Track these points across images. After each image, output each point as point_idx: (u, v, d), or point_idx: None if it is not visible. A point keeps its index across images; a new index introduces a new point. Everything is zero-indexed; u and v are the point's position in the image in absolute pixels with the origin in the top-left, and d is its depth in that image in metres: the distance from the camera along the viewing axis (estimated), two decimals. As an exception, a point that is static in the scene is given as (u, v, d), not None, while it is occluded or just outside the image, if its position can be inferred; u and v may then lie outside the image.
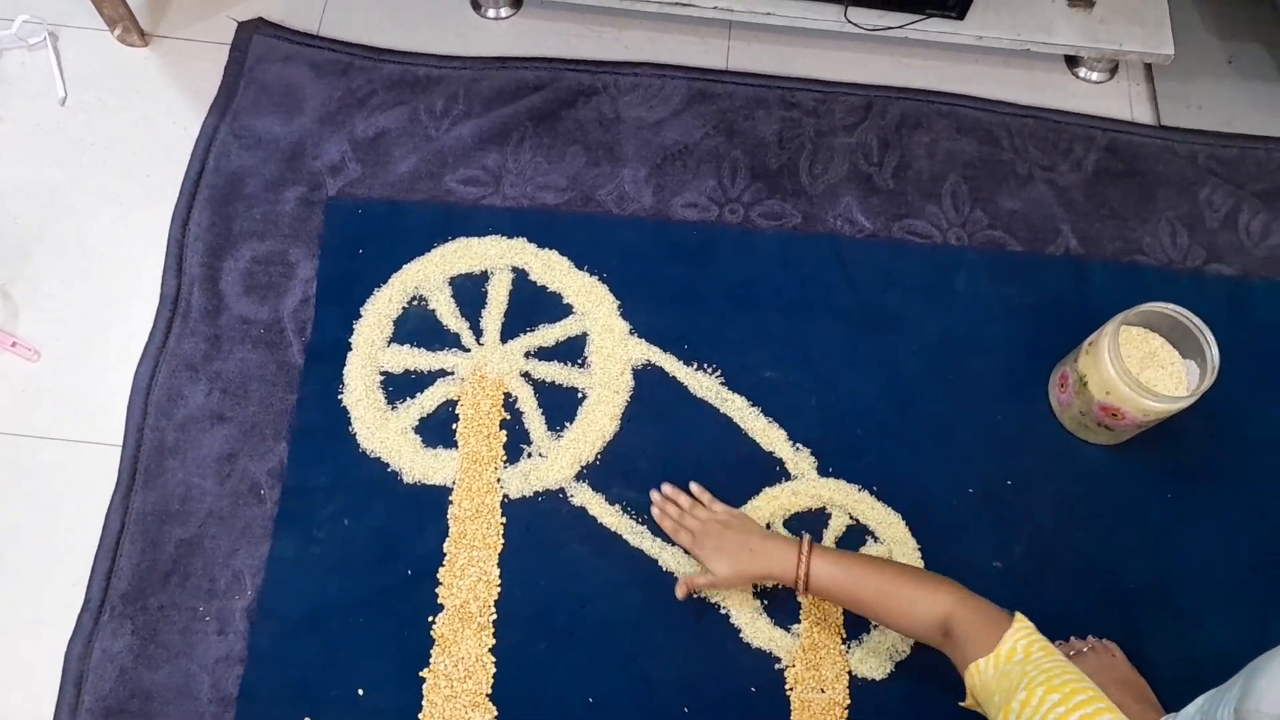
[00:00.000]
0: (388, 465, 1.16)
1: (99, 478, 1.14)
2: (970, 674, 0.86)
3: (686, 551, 1.10)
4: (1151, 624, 1.13)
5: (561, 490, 1.16)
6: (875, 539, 1.16)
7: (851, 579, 0.98)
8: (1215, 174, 1.39)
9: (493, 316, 1.24)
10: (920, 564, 1.15)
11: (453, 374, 1.21)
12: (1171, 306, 1.13)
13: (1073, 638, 1.11)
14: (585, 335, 1.24)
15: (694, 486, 1.14)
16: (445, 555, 1.12)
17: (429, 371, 1.21)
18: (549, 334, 1.24)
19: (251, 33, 1.39)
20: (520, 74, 1.39)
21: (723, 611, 1.12)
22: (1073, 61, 1.47)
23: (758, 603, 1.12)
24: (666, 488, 1.14)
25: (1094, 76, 1.46)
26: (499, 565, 1.12)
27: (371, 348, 1.21)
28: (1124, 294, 1.25)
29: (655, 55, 1.43)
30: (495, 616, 1.10)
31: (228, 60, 1.37)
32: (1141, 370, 1.15)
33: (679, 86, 1.39)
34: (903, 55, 1.46)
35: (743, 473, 1.18)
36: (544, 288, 1.26)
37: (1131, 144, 1.41)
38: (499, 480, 1.16)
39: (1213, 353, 1.10)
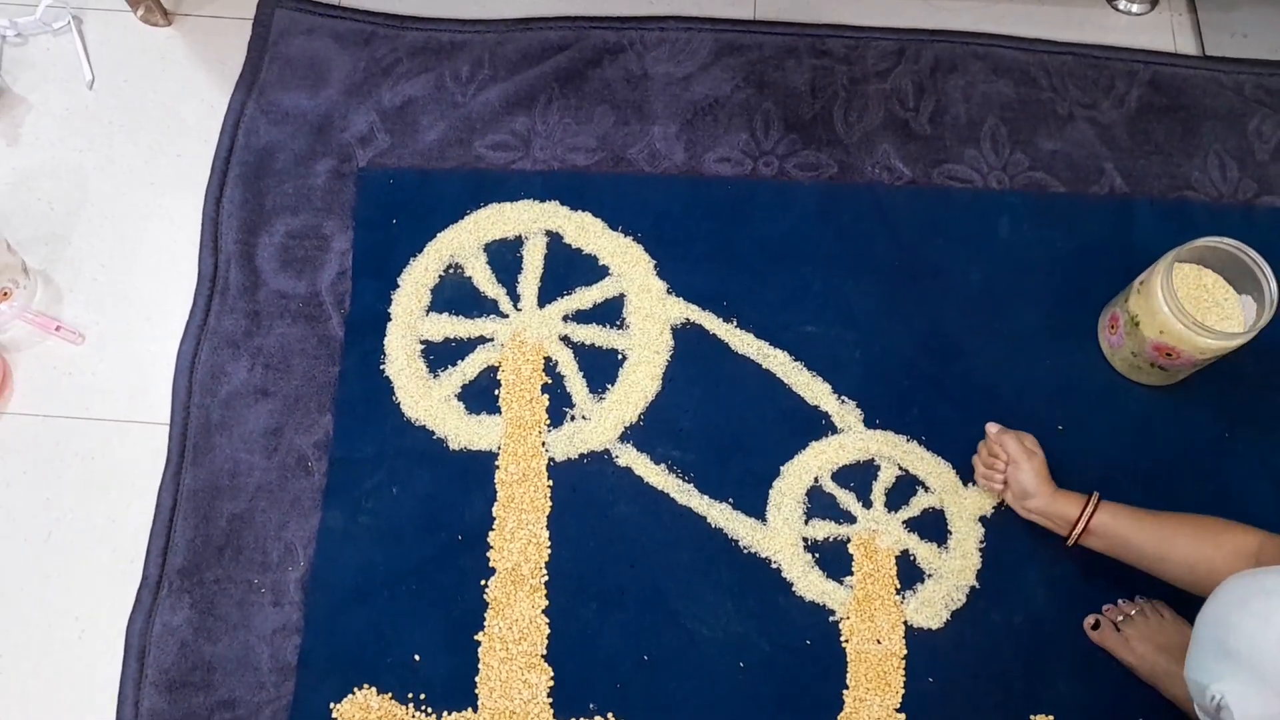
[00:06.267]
0: (433, 433, 1.16)
1: (148, 456, 1.16)
2: None
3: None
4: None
5: (606, 451, 1.15)
6: (926, 489, 1.15)
7: (1134, 518, 1.00)
8: (1264, 104, 1.35)
9: (529, 281, 1.23)
10: (972, 513, 1.13)
11: (492, 340, 1.21)
12: (1226, 240, 1.10)
13: (1120, 601, 1.08)
14: (623, 296, 1.23)
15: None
16: (494, 519, 1.12)
17: (469, 339, 1.21)
18: (586, 296, 1.23)
19: (273, 7, 1.38)
20: (544, 34, 1.37)
21: (774, 566, 1.11)
22: (1111, -6, 1.43)
23: (809, 556, 1.11)
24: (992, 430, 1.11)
25: (1134, 8, 1.42)
26: (548, 528, 1.12)
27: (410, 317, 1.21)
28: (1172, 232, 1.22)
29: (681, 8, 1.40)
30: (546, 578, 1.10)
31: (251, 35, 1.36)
32: (1196, 307, 1.12)
33: (706, 39, 1.37)
34: (934, -3, 1.42)
35: (788, 428, 1.17)
36: (579, 250, 1.25)
37: (1175, 77, 1.36)
38: (544, 444, 1.15)
39: (1271, 287, 1.07)
